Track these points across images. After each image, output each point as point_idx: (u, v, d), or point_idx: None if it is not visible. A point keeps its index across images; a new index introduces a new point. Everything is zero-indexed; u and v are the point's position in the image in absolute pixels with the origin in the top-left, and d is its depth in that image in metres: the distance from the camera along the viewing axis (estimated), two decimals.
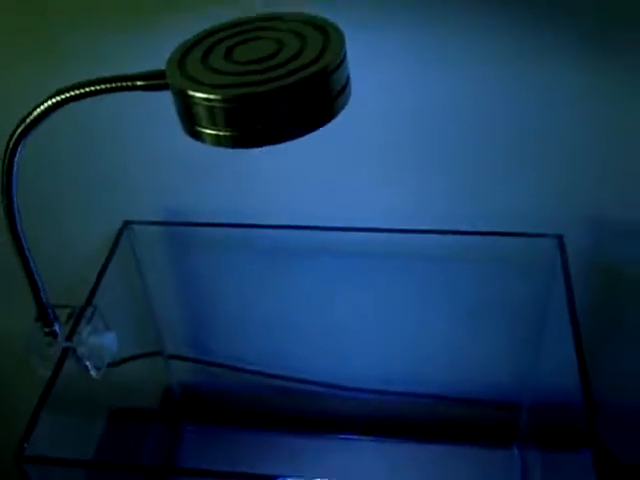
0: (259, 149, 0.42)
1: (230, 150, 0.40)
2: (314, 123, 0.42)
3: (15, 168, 0.50)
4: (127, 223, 0.75)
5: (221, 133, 0.41)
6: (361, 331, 0.85)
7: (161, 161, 0.72)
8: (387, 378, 0.88)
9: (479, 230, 0.71)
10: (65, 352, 0.62)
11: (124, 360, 0.78)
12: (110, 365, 0.71)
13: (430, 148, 0.68)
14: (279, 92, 0.39)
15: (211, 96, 0.40)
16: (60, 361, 0.62)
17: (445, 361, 0.86)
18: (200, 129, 0.42)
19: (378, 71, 0.62)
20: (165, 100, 0.44)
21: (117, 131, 0.71)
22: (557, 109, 0.63)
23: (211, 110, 0.40)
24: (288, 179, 0.73)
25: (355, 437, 0.92)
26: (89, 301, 0.66)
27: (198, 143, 0.64)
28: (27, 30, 0.63)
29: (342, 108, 0.43)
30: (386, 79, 0.63)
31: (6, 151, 0.48)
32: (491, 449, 0.89)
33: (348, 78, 0.44)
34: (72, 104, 0.61)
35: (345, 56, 0.43)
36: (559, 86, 0.61)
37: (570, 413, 0.63)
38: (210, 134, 0.42)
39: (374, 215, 0.73)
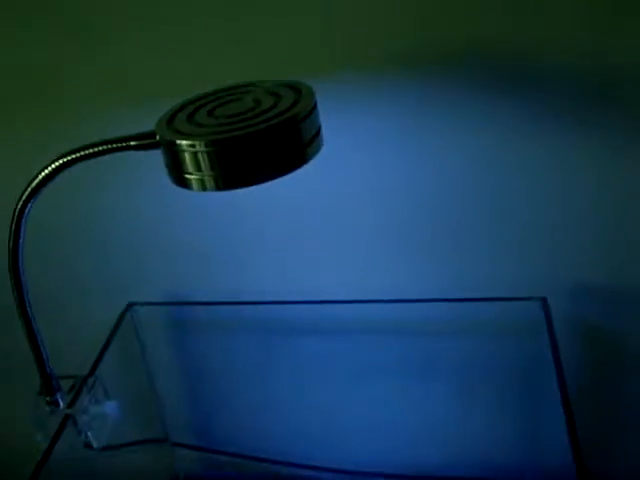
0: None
1: (228, 232, 0.44)
2: (288, 166, 0.46)
3: (23, 230, 0.54)
4: (130, 305, 0.79)
5: (205, 177, 0.46)
6: (359, 410, 0.85)
7: (163, 246, 0.77)
8: (386, 460, 0.88)
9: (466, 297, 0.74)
10: (66, 419, 0.64)
11: (128, 444, 0.79)
12: (113, 448, 0.72)
13: (417, 220, 0.72)
14: (255, 136, 0.44)
15: (195, 142, 0.45)
16: (60, 428, 0.63)
17: (441, 439, 0.85)
18: (187, 176, 0.47)
19: (374, 153, 0.67)
20: (167, 188, 0.49)
21: (121, 217, 0.75)
22: (544, 178, 0.67)
23: (195, 156, 0.45)
24: (286, 257, 0.76)
25: None
26: (91, 372, 0.68)
27: (198, 228, 0.70)
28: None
29: (314, 155, 0.48)
30: (382, 161, 0.68)
31: (14, 214, 0.53)
32: None
33: (319, 128, 0.49)
34: (80, 187, 0.68)
35: (315, 108, 0.48)
36: (547, 157, 0.65)
37: None
38: (196, 179, 0.46)
39: (369, 289, 0.76)
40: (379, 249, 0.74)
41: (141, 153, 0.49)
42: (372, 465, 0.89)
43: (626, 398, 0.79)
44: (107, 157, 0.50)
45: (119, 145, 0.50)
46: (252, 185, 0.46)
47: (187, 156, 0.46)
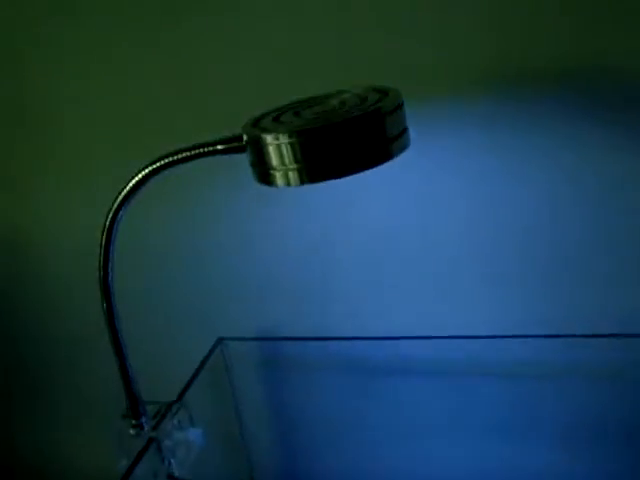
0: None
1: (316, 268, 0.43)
2: (372, 160, 0.46)
3: (113, 243, 0.55)
4: (221, 339, 0.78)
5: (289, 171, 0.46)
6: (441, 446, 0.80)
7: (253, 282, 0.77)
8: None
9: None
10: (150, 442, 0.63)
11: None
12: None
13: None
14: (338, 127, 0.44)
15: (279, 135, 0.45)
16: (143, 450, 0.62)
17: None
18: (271, 172, 0.47)
19: (458, 178, 0.66)
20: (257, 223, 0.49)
21: (214, 251, 0.77)
22: None
23: (279, 149, 0.45)
24: (379, 292, 0.74)
25: None
26: (178, 399, 0.68)
27: (289, 263, 0.71)
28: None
29: (399, 152, 0.47)
30: (467, 186, 0.67)
31: (107, 216, 0.54)
32: None
33: (406, 129, 0.48)
34: (174, 223, 0.69)
35: (402, 107, 0.47)
36: None
37: None
38: (280, 174, 0.46)
39: (470, 325, 0.73)
40: (473, 281, 0.71)
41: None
42: None
43: None
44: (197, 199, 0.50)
45: (206, 150, 0.51)
46: (335, 178, 0.45)
47: (271, 150, 0.46)
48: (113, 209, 0.54)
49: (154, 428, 0.63)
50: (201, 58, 0.68)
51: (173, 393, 0.70)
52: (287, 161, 0.46)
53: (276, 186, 0.47)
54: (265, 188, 0.66)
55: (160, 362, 0.82)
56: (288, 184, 0.46)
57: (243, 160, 0.50)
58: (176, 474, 0.64)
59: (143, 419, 0.64)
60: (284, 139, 0.45)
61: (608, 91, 0.59)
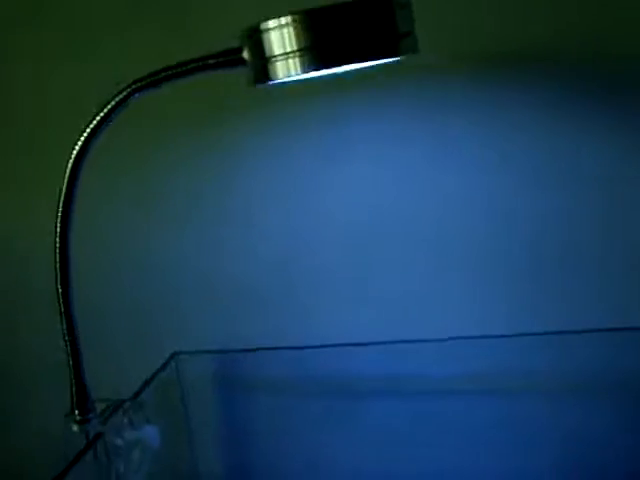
0: None
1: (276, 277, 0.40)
2: (379, 51, 0.42)
3: (85, 158, 0.49)
4: (174, 354, 0.71)
5: (291, 58, 0.42)
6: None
7: (208, 296, 0.71)
8: None
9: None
10: (97, 437, 0.53)
11: None
12: None
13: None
14: (347, 8, 0.41)
15: (282, 19, 0.42)
16: (87, 446, 0.52)
17: None
18: (271, 65, 0.43)
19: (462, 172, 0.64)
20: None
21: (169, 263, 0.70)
22: None
23: (282, 34, 0.42)
24: (350, 301, 0.69)
25: None
26: (135, 398, 0.58)
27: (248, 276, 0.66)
28: None
29: (407, 51, 0.44)
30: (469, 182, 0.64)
31: (81, 137, 0.49)
32: None
33: (414, 33, 0.45)
34: (128, 230, 0.64)
35: (411, 7, 0.45)
36: None
37: None
38: (281, 63, 0.43)
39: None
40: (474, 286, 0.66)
41: None
42: None
43: None
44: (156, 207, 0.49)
45: (198, 65, 0.47)
46: (340, 65, 0.42)
47: (273, 36, 0.42)
48: (94, 123, 0.48)
49: (103, 423, 0.53)
50: None
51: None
52: (289, 46, 0.42)
53: (276, 78, 0.43)
54: (222, 200, 0.66)
55: (115, 376, 0.72)
56: (289, 74, 0.43)
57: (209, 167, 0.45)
58: (134, 474, 0.53)
59: (90, 415, 0.54)
60: (288, 21, 0.42)
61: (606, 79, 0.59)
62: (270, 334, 0.70)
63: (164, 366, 0.68)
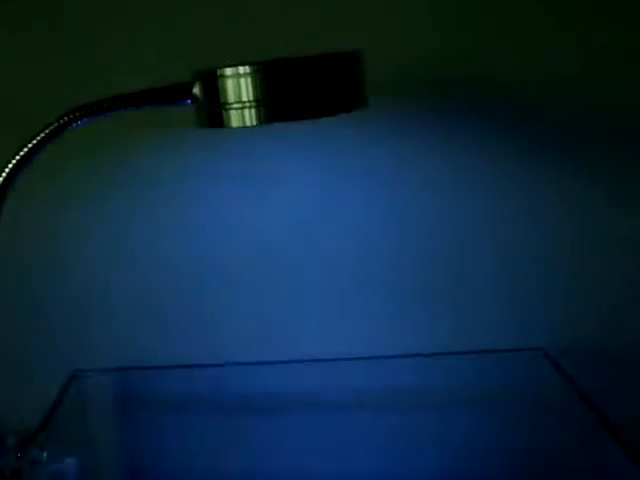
0: None
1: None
2: (334, 106, 0.43)
3: (18, 174, 0.47)
4: (75, 373, 0.68)
5: (247, 108, 0.42)
6: None
7: (112, 312, 0.69)
8: None
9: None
10: (15, 475, 0.50)
11: None
12: None
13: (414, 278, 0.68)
14: (306, 62, 0.41)
15: (240, 68, 0.41)
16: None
17: None
18: (226, 111, 0.42)
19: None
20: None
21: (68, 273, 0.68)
22: (550, 225, 0.65)
23: (238, 83, 0.42)
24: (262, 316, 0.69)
25: None
26: (42, 426, 0.56)
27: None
28: None
29: (360, 105, 0.45)
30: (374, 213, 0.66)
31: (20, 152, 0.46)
32: None
33: (364, 86, 0.46)
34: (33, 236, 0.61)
35: (362, 62, 0.45)
36: (555, 206, 0.65)
37: None
38: (236, 112, 0.42)
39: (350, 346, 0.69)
40: (383, 306, 0.68)
41: None
42: None
43: None
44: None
45: (147, 97, 0.45)
46: (294, 119, 0.42)
47: (229, 84, 0.42)
48: (23, 152, 0.46)
49: (19, 458, 0.51)
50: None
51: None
52: (246, 96, 0.42)
53: (229, 126, 0.43)
54: (131, 212, 0.64)
55: (13, 397, 0.68)
56: (244, 124, 0.42)
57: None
58: None
59: (1, 449, 0.52)
60: (246, 70, 0.41)
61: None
62: (171, 351, 0.69)
63: (67, 386, 0.65)
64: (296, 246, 0.66)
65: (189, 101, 0.45)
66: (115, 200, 0.65)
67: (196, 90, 0.44)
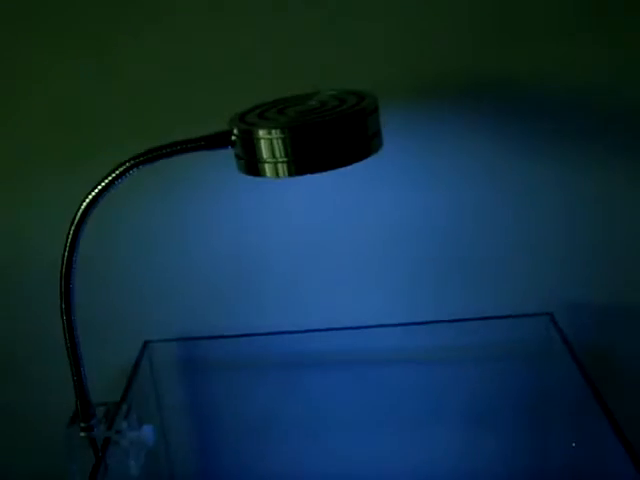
0: None
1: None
2: (354, 156, 0.50)
3: (80, 238, 0.55)
4: (147, 342, 0.79)
5: (279, 163, 0.49)
6: (362, 435, 0.85)
7: (174, 286, 0.79)
8: None
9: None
10: (107, 442, 0.62)
11: None
12: None
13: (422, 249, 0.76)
14: (327, 124, 0.48)
15: (272, 130, 0.48)
16: (102, 451, 0.61)
17: (447, 470, 0.86)
18: (261, 165, 0.50)
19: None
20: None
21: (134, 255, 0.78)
22: (546, 198, 0.72)
23: (271, 143, 0.49)
24: (295, 289, 0.78)
25: None
26: (123, 398, 0.67)
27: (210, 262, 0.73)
28: None
29: (376, 149, 0.52)
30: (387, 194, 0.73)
31: (74, 218, 0.55)
32: None
33: (380, 128, 0.53)
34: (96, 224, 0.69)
35: (378, 108, 0.52)
36: (548, 178, 0.71)
37: None
38: (270, 166, 0.50)
39: (370, 316, 0.78)
40: (385, 276, 0.77)
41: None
42: None
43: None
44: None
45: (190, 146, 0.53)
46: (321, 171, 0.49)
47: (263, 144, 0.49)
48: (89, 200, 0.54)
49: (109, 428, 0.63)
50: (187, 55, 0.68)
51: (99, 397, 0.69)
52: (277, 154, 0.49)
53: (265, 177, 0.50)
54: (188, 189, 0.71)
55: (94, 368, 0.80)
56: (277, 176, 0.50)
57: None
58: (133, 471, 0.64)
59: (93, 421, 0.63)
60: (276, 134, 0.48)
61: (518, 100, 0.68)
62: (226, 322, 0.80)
63: (140, 357, 0.76)
64: (330, 229, 0.75)
65: (229, 147, 0.53)
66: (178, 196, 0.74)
67: (234, 141, 0.52)
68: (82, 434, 0.62)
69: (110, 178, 0.54)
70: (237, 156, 0.52)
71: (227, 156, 0.54)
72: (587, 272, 0.75)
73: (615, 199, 0.72)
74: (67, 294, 0.58)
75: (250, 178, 0.52)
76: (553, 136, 0.69)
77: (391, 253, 0.76)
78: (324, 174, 0.50)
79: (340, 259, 0.76)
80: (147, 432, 0.64)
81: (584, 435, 0.70)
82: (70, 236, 0.55)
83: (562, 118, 0.68)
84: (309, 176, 0.50)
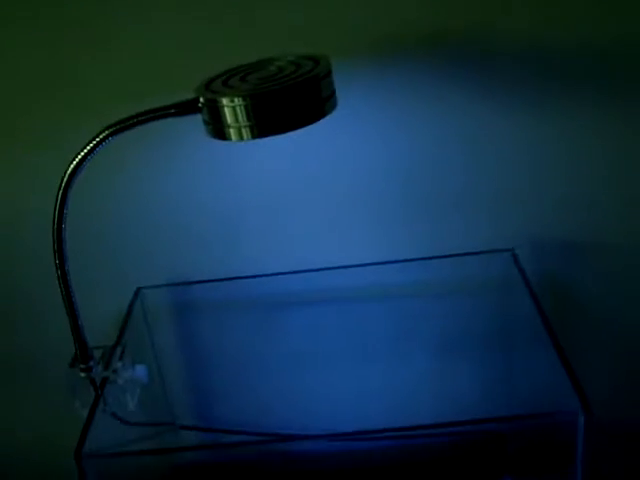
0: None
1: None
2: (310, 118, 0.56)
3: (68, 201, 0.61)
4: (139, 289, 0.85)
5: (242, 128, 0.55)
6: (345, 368, 0.93)
7: (161, 232, 0.84)
8: (368, 416, 0.95)
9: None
10: (104, 382, 0.69)
11: (137, 424, 0.82)
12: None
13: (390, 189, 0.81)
14: (284, 91, 0.54)
15: (234, 98, 0.54)
16: (101, 389, 0.68)
17: (425, 396, 0.93)
18: (226, 129, 0.55)
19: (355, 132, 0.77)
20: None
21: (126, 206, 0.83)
22: (510, 140, 0.76)
23: (234, 110, 0.54)
24: (276, 232, 0.84)
25: None
26: (118, 341, 0.74)
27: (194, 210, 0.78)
28: None
29: (330, 111, 0.57)
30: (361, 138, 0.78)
31: (61, 184, 0.60)
32: None
33: (334, 91, 0.58)
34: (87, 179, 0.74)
35: (331, 71, 0.57)
36: (512, 124, 0.75)
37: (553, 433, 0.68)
38: (234, 131, 0.55)
39: (345, 256, 0.85)
40: (358, 218, 0.83)
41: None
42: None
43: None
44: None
45: (161, 113, 0.58)
46: (280, 133, 0.55)
47: (227, 111, 0.54)
48: (69, 172, 0.60)
49: (106, 368, 0.70)
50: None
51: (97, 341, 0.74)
52: (240, 120, 0.54)
53: (230, 140, 0.56)
54: (172, 142, 0.76)
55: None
56: (242, 139, 0.55)
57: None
58: (130, 407, 0.71)
59: (92, 362, 0.70)
60: (239, 101, 0.54)
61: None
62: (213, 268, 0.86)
63: (132, 302, 0.83)
64: (306, 176, 0.80)
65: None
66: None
67: (201, 106, 0.57)
68: (82, 374, 0.69)
69: (90, 146, 0.59)
70: (205, 121, 0.57)
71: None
72: (551, 209, 0.80)
73: (578, 137, 0.76)
74: (60, 251, 0.64)
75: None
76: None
77: (363, 196, 0.81)
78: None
79: (315, 204, 0.82)
80: (140, 371, 0.71)
81: (540, 363, 0.76)
82: (59, 197, 0.61)
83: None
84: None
